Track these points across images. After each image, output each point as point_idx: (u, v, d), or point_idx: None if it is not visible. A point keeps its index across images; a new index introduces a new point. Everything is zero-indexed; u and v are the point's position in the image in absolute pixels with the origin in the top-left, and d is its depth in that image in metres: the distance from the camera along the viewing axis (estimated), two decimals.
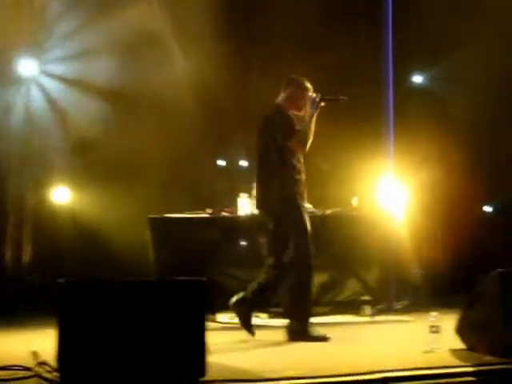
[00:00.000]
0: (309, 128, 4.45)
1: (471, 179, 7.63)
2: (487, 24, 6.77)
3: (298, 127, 4.45)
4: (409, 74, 8.27)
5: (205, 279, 3.01)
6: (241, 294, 4.50)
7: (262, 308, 5.19)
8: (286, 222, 4.44)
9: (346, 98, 4.60)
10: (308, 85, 4.62)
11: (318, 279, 4.52)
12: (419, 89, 8.30)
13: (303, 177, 4.54)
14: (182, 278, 3.02)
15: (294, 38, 7.08)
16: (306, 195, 4.55)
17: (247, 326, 4.46)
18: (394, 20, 6.66)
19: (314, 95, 4.51)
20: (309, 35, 7.05)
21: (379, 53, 6.77)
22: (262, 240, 5.89)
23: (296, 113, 4.56)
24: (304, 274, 4.36)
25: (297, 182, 4.48)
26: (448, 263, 7.90)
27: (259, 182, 4.65)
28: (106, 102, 7.04)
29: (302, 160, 4.55)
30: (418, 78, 8.35)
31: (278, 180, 4.47)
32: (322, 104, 4.51)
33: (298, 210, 4.43)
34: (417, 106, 8.20)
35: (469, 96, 7.47)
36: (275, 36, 7.22)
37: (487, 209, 8.24)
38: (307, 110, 4.51)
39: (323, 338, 4.23)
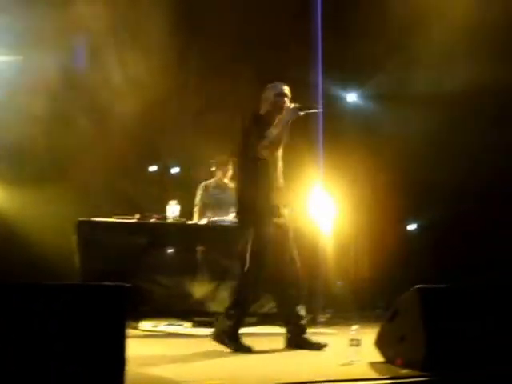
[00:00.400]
0: (279, 135, 4.39)
1: (397, 198, 7.83)
2: (421, 42, 6.98)
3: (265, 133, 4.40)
4: (342, 92, 8.43)
5: (127, 285, 2.93)
6: None
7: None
8: (249, 232, 4.40)
9: (320, 108, 4.63)
10: (283, 87, 4.57)
11: None
12: (351, 108, 8.47)
13: (280, 184, 4.50)
14: (103, 283, 2.94)
15: (229, 53, 7.15)
16: (280, 206, 4.47)
17: None
18: (326, 38, 6.82)
19: (293, 105, 4.47)
20: (244, 55, 7.14)
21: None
22: (200, 248, 5.88)
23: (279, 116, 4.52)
24: (249, 284, 4.36)
25: (271, 192, 4.42)
26: (371, 278, 8.08)
27: (238, 188, 4.63)
28: (39, 102, 6.85)
29: (278, 167, 4.51)
30: (351, 97, 8.51)
31: (252, 189, 4.45)
32: (301, 113, 4.45)
33: (262, 225, 4.37)
34: (348, 125, 8.39)
35: (398, 116, 7.71)
36: (211, 49, 7.27)
37: (411, 226, 8.47)
38: (283, 117, 4.46)
39: (247, 349, 4.23)
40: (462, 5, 6.72)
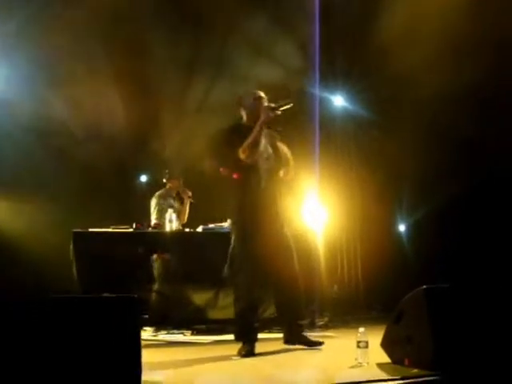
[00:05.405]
0: (255, 136, 4.37)
1: (385, 200, 7.85)
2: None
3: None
4: (333, 97, 8.43)
5: (136, 296, 2.94)
6: None
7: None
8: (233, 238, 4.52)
9: (290, 103, 4.44)
10: (259, 92, 4.59)
11: None
12: (343, 112, 8.47)
13: (260, 190, 4.44)
14: (113, 295, 2.93)
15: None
16: (264, 212, 4.42)
17: None
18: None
19: (267, 105, 4.46)
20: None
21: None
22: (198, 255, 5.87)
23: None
24: (238, 289, 4.47)
25: (246, 199, 4.42)
26: (365, 280, 8.11)
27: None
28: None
29: (262, 175, 4.48)
30: (339, 100, 8.50)
31: (233, 200, 4.50)
32: (278, 112, 4.41)
33: (240, 232, 4.43)
34: (340, 129, 8.42)
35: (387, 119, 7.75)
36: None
37: (401, 227, 8.50)
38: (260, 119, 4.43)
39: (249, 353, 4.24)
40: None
